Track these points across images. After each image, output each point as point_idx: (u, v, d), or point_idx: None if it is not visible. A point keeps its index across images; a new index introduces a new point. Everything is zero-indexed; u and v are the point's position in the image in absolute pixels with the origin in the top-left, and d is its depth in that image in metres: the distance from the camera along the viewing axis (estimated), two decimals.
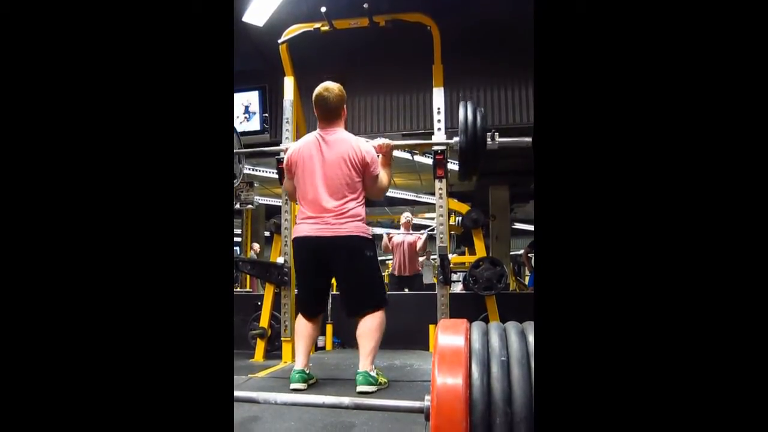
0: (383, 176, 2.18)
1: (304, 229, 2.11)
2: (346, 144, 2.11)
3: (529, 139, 2.54)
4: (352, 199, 2.09)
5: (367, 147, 2.14)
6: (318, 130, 2.19)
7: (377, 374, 2.04)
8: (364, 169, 2.10)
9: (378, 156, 2.18)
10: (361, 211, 2.12)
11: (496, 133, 2.54)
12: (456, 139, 2.56)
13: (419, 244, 5.08)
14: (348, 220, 2.07)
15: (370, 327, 2.07)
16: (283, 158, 2.85)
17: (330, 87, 2.14)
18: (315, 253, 2.11)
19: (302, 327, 2.18)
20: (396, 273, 5.20)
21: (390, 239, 5.22)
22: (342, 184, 2.07)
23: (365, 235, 2.11)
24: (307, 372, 2.09)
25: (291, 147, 2.27)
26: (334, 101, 2.14)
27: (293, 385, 2.03)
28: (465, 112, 2.54)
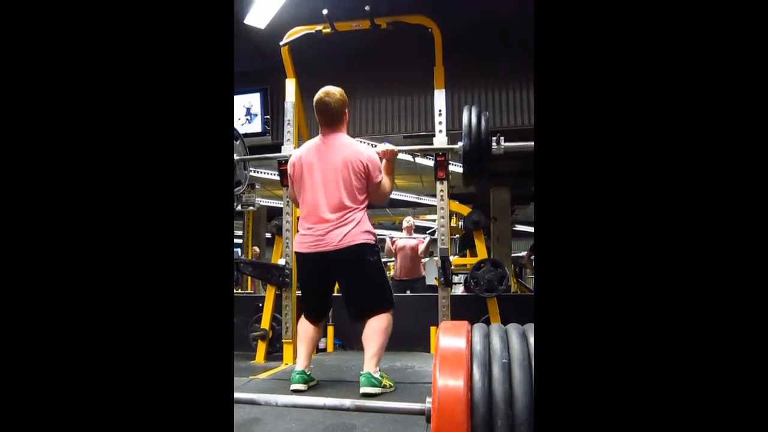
0: (386, 182, 2.15)
1: (305, 242, 2.07)
2: (349, 150, 2.08)
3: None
4: (354, 208, 2.04)
5: (369, 153, 2.12)
6: (320, 135, 2.16)
7: (381, 377, 2.01)
8: (366, 175, 2.07)
9: (381, 161, 2.16)
10: (364, 217, 2.07)
11: (502, 137, 2.51)
12: (460, 144, 2.53)
13: (421, 248, 5.10)
14: (349, 229, 2.01)
15: (376, 329, 2.04)
16: (285, 159, 2.87)
17: (331, 91, 2.11)
18: (317, 267, 2.09)
19: (305, 330, 2.18)
20: (397, 277, 5.22)
21: (393, 243, 5.24)
22: (343, 192, 2.03)
23: (368, 242, 2.06)
24: (308, 373, 2.09)
25: (294, 153, 2.25)
26: (336, 106, 2.10)
27: (293, 386, 2.02)
28: (469, 115, 2.50)
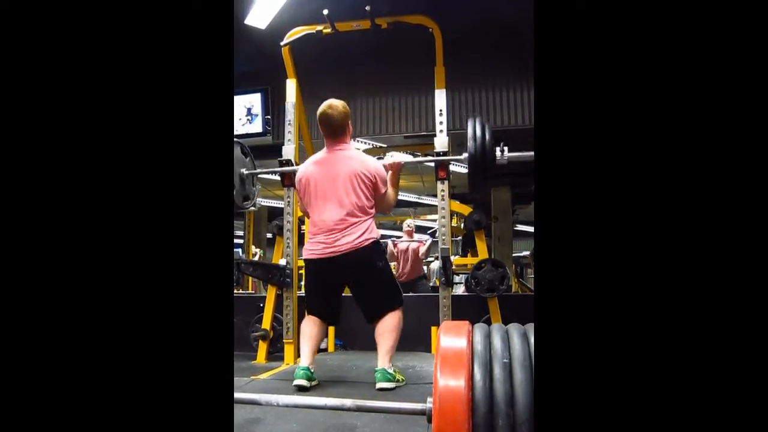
0: (390, 193, 2.24)
1: (315, 250, 2.15)
2: (356, 161, 2.15)
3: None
4: (361, 217, 2.12)
5: (376, 165, 2.19)
6: (325, 148, 2.23)
7: (395, 371, 2.08)
8: (373, 187, 2.14)
9: (387, 173, 2.23)
10: (371, 225, 2.15)
11: (506, 147, 2.57)
12: (465, 155, 2.57)
13: (422, 250, 5.18)
14: (357, 235, 2.09)
15: (388, 326, 2.13)
16: (285, 160, 2.88)
17: (334, 104, 2.17)
18: (327, 274, 2.17)
19: (309, 328, 2.22)
20: (400, 279, 5.25)
21: (395, 246, 5.29)
22: (350, 203, 2.11)
23: (373, 241, 2.13)
24: (312, 371, 2.09)
25: (299, 169, 2.32)
26: (339, 119, 2.16)
27: (297, 381, 2.02)
28: (474, 126, 2.55)
